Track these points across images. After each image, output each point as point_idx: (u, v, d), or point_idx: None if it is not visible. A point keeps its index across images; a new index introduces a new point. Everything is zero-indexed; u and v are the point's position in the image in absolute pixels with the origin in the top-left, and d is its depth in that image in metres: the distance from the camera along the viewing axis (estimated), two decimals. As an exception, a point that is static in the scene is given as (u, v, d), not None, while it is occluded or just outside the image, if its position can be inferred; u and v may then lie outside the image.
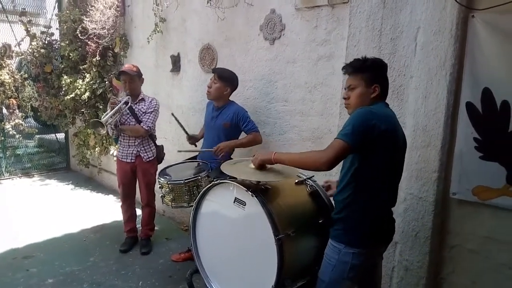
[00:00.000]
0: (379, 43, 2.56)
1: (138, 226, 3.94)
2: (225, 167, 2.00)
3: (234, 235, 2.00)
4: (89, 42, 5.01)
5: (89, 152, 5.68)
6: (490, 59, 2.14)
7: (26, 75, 5.91)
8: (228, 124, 3.21)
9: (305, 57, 3.05)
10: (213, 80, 3.17)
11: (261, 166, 1.94)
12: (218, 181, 2.04)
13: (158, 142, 4.55)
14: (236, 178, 2.01)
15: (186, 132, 3.54)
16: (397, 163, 1.83)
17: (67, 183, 6.17)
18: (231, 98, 3.34)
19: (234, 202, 1.95)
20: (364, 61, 1.85)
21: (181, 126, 3.52)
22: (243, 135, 3.29)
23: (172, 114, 3.57)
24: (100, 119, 3.36)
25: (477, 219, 2.26)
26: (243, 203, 1.91)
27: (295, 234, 1.80)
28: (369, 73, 1.82)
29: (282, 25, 3.18)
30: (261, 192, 1.88)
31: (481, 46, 2.16)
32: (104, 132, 3.37)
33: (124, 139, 3.62)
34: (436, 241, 2.39)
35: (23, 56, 5.75)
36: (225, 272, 2.08)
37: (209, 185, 2.08)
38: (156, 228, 3.99)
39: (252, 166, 1.94)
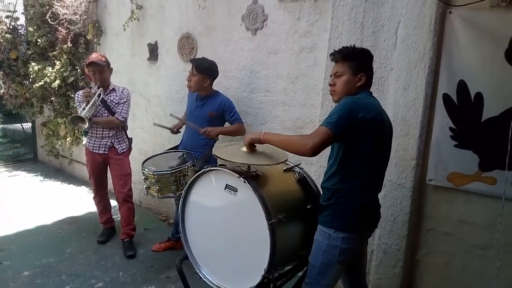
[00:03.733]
0: (361, 35, 2.64)
1: (115, 217, 3.87)
2: (217, 150, 2.01)
3: (225, 221, 2.03)
4: (59, 28, 4.82)
5: (59, 143, 5.50)
6: (465, 53, 2.27)
7: (-12, 62, 5.63)
8: (214, 114, 3.20)
9: (288, 48, 3.10)
10: (191, 73, 3.16)
11: (251, 146, 1.96)
12: (209, 168, 2.05)
13: (136, 132, 4.49)
14: (225, 166, 2.04)
15: (169, 128, 3.49)
16: (384, 150, 1.90)
17: (35, 174, 5.95)
18: (214, 87, 3.34)
19: (225, 189, 1.97)
20: (353, 50, 1.89)
21: (165, 127, 3.48)
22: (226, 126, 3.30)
23: (155, 124, 3.54)
24: (79, 114, 3.25)
25: (452, 204, 2.41)
26: (234, 190, 1.94)
27: (286, 219, 1.86)
28: (356, 62, 1.87)
29: (264, 16, 3.21)
30: (252, 178, 1.91)
31: (457, 41, 2.28)
32: (86, 126, 3.27)
33: (97, 130, 3.49)
34: (413, 225, 2.53)
35: (-15, 41, 5.46)
36: (215, 258, 2.11)
37: (199, 173, 2.08)
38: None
39: (243, 149, 1.96)
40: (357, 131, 1.73)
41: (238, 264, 2.02)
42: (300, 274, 2.23)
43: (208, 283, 2.09)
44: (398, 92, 2.50)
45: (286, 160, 2.00)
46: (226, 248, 2.05)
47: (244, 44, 3.40)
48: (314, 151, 1.70)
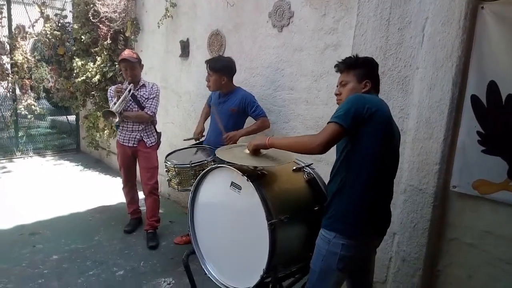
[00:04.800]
0: (387, 32, 2.53)
1: (142, 208, 3.99)
2: (220, 152, 2.02)
3: (230, 218, 2.03)
4: (100, 25, 5.04)
5: (98, 135, 5.76)
6: (497, 52, 2.10)
7: (39, 57, 6.00)
8: (235, 110, 3.22)
9: (313, 45, 3.03)
10: (208, 73, 3.18)
11: (256, 151, 1.95)
12: (216, 165, 2.06)
13: (167, 127, 4.62)
14: (233, 163, 2.03)
15: (194, 138, 3.56)
16: (391, 151, 1.81)
17: (76, 164, 6.29)
18: (237, 84, 3.35)
19: (230, 186, 1.97)
20: (356, 59, 1.91)
21: (191, 139, 3.55)
22: (249, 120, 3.30)
23: (184, 140, 3.65)
24: (110, 108, 3.40)
25: (476, 213, 2.25)
26: (238, 188, 1.93)
27: (289, 220, 1.82)
28: (361, 70, 1.88)
29: (290, 13, 3.16)
30: (257, 177, 1.89)
31: (489, 38, 2.12)
32: (117, 120, 3.40)
33: (127, 124, 3.63)
34: (434, 233, 2.39)
35: (37, 38, 5.83)
36: (220, 254, 2.12)
37: (207, 169, 2.10)
38: (160, 211, 4.02)
39: (247, 151, 1.95)
40: (362, 126, 1.68)
41: (241, 262, 2.01)
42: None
43: (212, 279, 2.10)
44: (423, 93, 2.36)
45: (292, 160, 1.96)
46: (230, 245, 2.05)
47: (270, 41, 3.37)
48: (324, 147, 1.67)
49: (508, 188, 2.11)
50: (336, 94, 1.96)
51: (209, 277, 2.13)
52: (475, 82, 2.18)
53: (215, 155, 3.02)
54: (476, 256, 2.26)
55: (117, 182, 5.32)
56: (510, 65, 2.06)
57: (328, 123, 1.71)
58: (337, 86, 1.97)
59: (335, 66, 1.98)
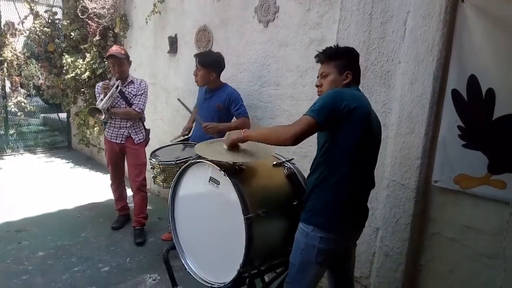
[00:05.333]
0: (369, 27, 2.52)
1: (131, 205, 3.98)
2: (199, 148, 2.01)
3: (209, 213, 2.02)
4: (89, 22, 5.01)
5: (88, 132, 5.74)
6: (477, 45, 2.09)
7: (28, 54, 5.96)
8: (221, 106, 3.21)
9: (298, 40, 3.02)
10: (197, 68, 3.16)
11: (234, 146, 1.94)
12: (195, 160, 2.04)
13: (155, 124, 4.60)
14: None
15: (189, 111, 3.50)
16: (370, 146, 1.81)
17: (67, 161, 6.27)
18: (224, 80, 3.34)
19: (209, 181, 1.96)
20: (336, 49, 1.88)
21: (187, 108, 3.50)
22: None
23: (179, 100, 3.53)
24: (96, 105, 3.38)
25: (458, 208, 2.24)
26: (217, 182, 1.92)
27: (266, 215, 1.81)
28: (341, 61, 1.85)
29: (276, 7, 3.14)
30: (235, 172, 1.88)
31: (469, 32, 2.11)
32: (103, 117, 3.39)
33: (115, 120, 3.61)
34: (416, 228, 2.38)
35: (26, 35, 5.79)
36: (200, 249, 2.11)
37: (186, 164, 2.09)
38: (149, 207, 4.03)
39: (226, 146, 1.94)
40: (340, 120, 1.67)
41: (220, 256, 2.00)
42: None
43: (191, 273, 2.10)
44: (405, 87, 2.35)
45: (270, 156, 1.95)
46: (210, 240, 2.04)
47: (256, 37, 3.36)
48: (296, 139, 1.65)
49: (488, 182, 2.10)
50: (317, 86, 1.93)
51: (188, 272, 2.12)
52: (456, 76, 2.17)
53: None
54: (457, 250, 2.26)
55: (107, 179, 5.25)
56: (490, 58, 2.05)
57: (303, 115, 1.70)
58: (318, 77, 1.95)
59: (315, 57, 1.95)
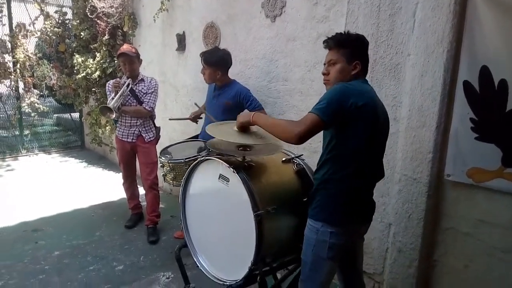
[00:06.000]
0: (378, 19, 2.48)
1: (143, 203, 4.01)
2: (210, 129, 1.99)
3: (219, 210, 2.03)
4: (98, 21, 5.05)
5: (100, 131, 5.80)
6: (489, 36, 2.04)
7: (40, 54, 6.04)
8: (230, 103, 3.19)
9: (305, 34, 2.99)
10: (203, 66, 3.16)
11: (243, 128, 1.91)
12: (204, 157, 2.05)
13: (166, 121, 4.61)
14: (222, 155, 2.02)
15: (187, 118, 3.54)
16: (377, 139, 1.78)
17: (81, 161, 6.36)
18: (233, 77, 3.33)
19: (219, 179, 1.96)
20: (347, 36, 1.79)
21: (183, 119, 3.52)
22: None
23: (170, 119, 3.60)
24: (107, 104, 3.40)
25: (471, 202, 2.20)
26: (227, 180, 1.92)
27: (276, 211, 1.80)
28: (351, 49, 1.77)
29: (283, 2, 3.12)
30: (244, 168, 1.88)
31: (480, 22, 2.06)
32: (114, 116, 3.41)
33: (125, 119, 3.64)
34: (429, 223, 2.35)
35: (38, 35, 5.86)
36: (212, 246, 2.12)
37: (195, 162, 2.09)
38: (162, 205, 4.05)
39: (236, 128, 1.93)
40: (347, 118, 1.64)
41: (231, 254, 2.01)
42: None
43: (203, 271, 2.11)
44: (415, 80, 2.31)
45: (278, 144, 1.93)
46: (221, 237, 2.05)
47: (264, 32, 3.34)
48: (301, 139, 1.63)
49: (502, 175, 2.06)
50: (324, 74, 1.86)
51: (201, 269, 2.13)
52: (467, 68, 2.13)
53: (210, 149, 3.05)
54: (471, 245, 2.22)
55: (120, 178, 5.33)
56: (502, 49, 2.00)
57: (309, 112, 1.67)
58: (324, 64, 1.87)
59: (324, 42, 1.86)
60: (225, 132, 1.92)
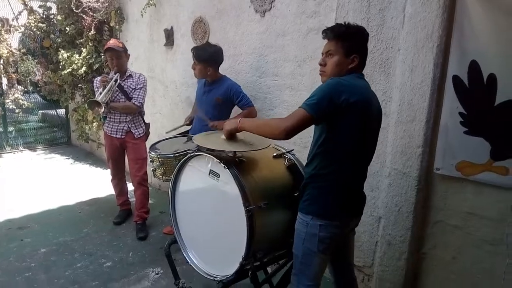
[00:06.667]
0: (368, 14, 2.49)
1: (132, 200, 3.97)
2: (197, 139, 1.99)
3: (210, 206, 2.01)
4: (84, 16, 4.95)
5: (87, 127, 5.71)
6: (478, 30, 2.06)
7: (24, 50, 5.91)
8: (220, 99, 3.17)
9: (295, 29, 2.98)
10: (194, 62, 3.13)
11: (231, 135, 1.91)
12: (194, 153, 2.03)
13: (154, 118, 4.57)
14: (213, 151, 2.00)
15: (183, 125, 3.50)
16: (369, 135, 1.78)
17: (67, 157, 6.26)
18: (223, 72, 3.30)
19: (209, 174, 1.94)
20: (346, 28, 1.75)
21: (179, 127, 3.47)
22: (235, 110, 3.26)
23: (167, 133, 3.53)
24: (95, 98, 3.34)
25: (460, 195, 2.23)
26: (217, 175, 1.90)
27: (267, 206, 1.80)
28: (350, 42, 1.73)
29: (272, -4, 3.10)
30: (235, 164, 1.86)
31: (470, 17, 2.07)
32: (102, 110, 3.35)
33: (114, 115, 3.58)
34: (419, 216, 2.37)
35: (21, 31, 5.73)
36: (202, 242, 2.10)
37: (185, 158, 2.07)
38: (150, 201, 4.00)
39: (223, 137, 1.92)
40: (338, 114, 1.62)
41: (222, 249, 2.00)
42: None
43: (194, 267, 2.09)
44: (405, 74, 2.33)
45: (269, 146, 1.93)
46: (211, 233, 2.03)
47: (253, 27, 3.32)
48: (288, 134, 1.62)
49: (491, 169, 2.09)
50: (320, 64, 1.82)
51: (191, 265, 2.11)
52: (457, 62, 2.14)
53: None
54: (460, 237, 2.25)
55: (107, 174, 5.22)
56: (491, 43, 2.02)
57: (298, 107, 1.65)
58: (322, 55, 1.82)
59: (322, 32, 1.80)
60: (214, 142, 1.90)
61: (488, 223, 2.14)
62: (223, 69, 3.35)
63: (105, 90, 3.37)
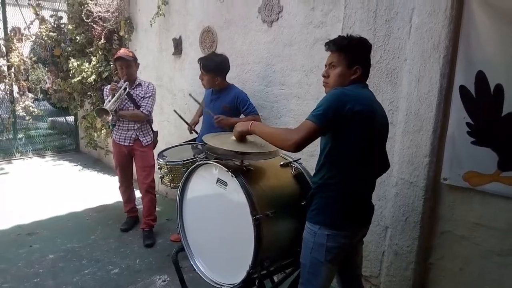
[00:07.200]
0: (374, 25, 2.51)
1: (139, 207, 4.00)
2: (207, 138, 2.00)
3: (217, 214, 2.02)
4: (94, 26, 5.04)
5: (96, 135, 5.77)
6: (485, 41, 2.07)
7: (35, 58, 6.01)
8: (228, 107, 3.20)
9: (302, 39, 3.01)
10: (201, 73, 3.17)
11: (241, 137, 1.92)
12: (202, 161, 2.05)
13: (162, 125, 4.62)
14: (220, 160, 2.02)
15: (188, 123, 3.54)
16: (375, 144, 1.79)
17: (75, 164, 6.32)
18: (230, 81, 3.33)
19: (216, 183, 1.96)
20: (349, 40, 1.78)
21: (183, 120, 3.51)
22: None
23: (175, 111, 3.54)
24: (103, 106, 3.40)
25: (468, 205, 2.23)
26: (225, 184, 1.92)
27: (275, 215, 1.81)
28: (352, 53, 1.76)
29: (280, 7, 3.14)
30: (243, 173, 1.88)
31: (476, 27, 2.09)
32: (110, 118, 3.40)
33: (123, 123, 3.62)
34: (426, 226, 2.37)
35: (33, 39, 5.84)
36: (209, 250, 2.11)
37: (193, 166, 2.09)
38: (157, 209, 4.02)
39: (233, 138, 1.93)
40: (344, 124, 1.64)
41: (229, 258, 2.01)
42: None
43: (201, 275, 2.10)
44: (412, 84, 2.34)
45: (276, 151, 1.94)
46: (219, 241, 2.04)
47: (260, 37, 3.36)
48: (297, 147, 1.64)
49: (498, 179, 2.09)
50: (323, 76, 1.85)
51: (198, 273, 2.12)
52: (463, 73, 2.16)
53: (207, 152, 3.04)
54: (467, 248, 2.25)
55: (115, 181, 5.28)
56: (498, 54, 2.04)
57: (306, 119, 1.68)
58: (325, 66, 1.86)
59: (325, 45, 1.85)
60: (223, 142, 1.92)
61: (496, 234, 2.13)
62: (230, 78, 3.39)
63: (113, 99, 3.42)
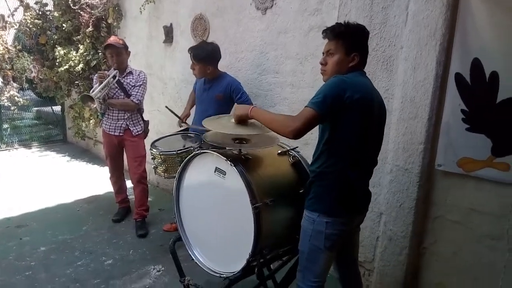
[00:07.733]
0: (370, 12, 2.50)
1: (131, 197, 3.96)
2: (207, 122, 1.98)
3: (215, 203, 2.02)
4: (81, 13, 4.92)
5: (84, 125, 5.67)
6: (481, 28, 2.08)
7: (20, 47, 5.85)
8: (221, 96, 3.17)
9: (297, 27, 2.99)
10: (192, 62, 3.12)
11: (241, 121, 1.91)
12: (200, 151, 2.03)
13: (153, 114, 4.56)
14: (217, 148, 2.01)
15: (179, 117, 3.49)
16: (373, 133, 1.79)
17: (63, 155, 6.21)
18: (222, 69, 3.30)
19: (215, 172, 1.95)
20: (346, 27, 1.77)
21: (175, 114, 3.45)
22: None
23: (166, 107, 3.49)
24: (89, 93, 3.32)
25: (461, 191, 2.26)
26: (223, 173, 1.91)
27: (274, 203, 1.81)
28: (350, 40, 1.76)
29: (274, -6, 3.10)
30: (241, 161, 1.87)
31: (473, 15, 2.10)
32: (94, 106, 3.33)
33: (113, 112, 3.56)
34: (420, 212, 2.40)
35: (17, 27, 5.67)
36: (207, 239, 2.11)
37: (191, 155, 2.08)
38: (149, 199, 3.98)
39: (233, 121, 1.92)
40: (342, 111, 1.64)
41: (228, 246, 2.01)
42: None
43: (199, 264, 2.10)
44: (408, 72, 2.35)
45: (275, 139, 1.93)
46: (217, 230, 2.04)
47: (254, 24, 3.32)
48: (296, 134, 1.64)
49: (492, 165, 2.12)
50: (321, 64, 1.84)
51: (196, 262, 2.12)
52: (459, 60, 2.17)
53: (201, 141, 3.02)
54: (460, 233, 2.29)
55: (105, 172, 5.22)
56: (493, 41, 2.05)
57: (305, 107, 1.67)
58: (323, 54, 1.85)
59: (322, 32, 1.83)
60: (223, 125, 1.90)
61: (489, 219, 2.17)
62: (223, 67, 3.36)
63: (100, 86, 3.34)
